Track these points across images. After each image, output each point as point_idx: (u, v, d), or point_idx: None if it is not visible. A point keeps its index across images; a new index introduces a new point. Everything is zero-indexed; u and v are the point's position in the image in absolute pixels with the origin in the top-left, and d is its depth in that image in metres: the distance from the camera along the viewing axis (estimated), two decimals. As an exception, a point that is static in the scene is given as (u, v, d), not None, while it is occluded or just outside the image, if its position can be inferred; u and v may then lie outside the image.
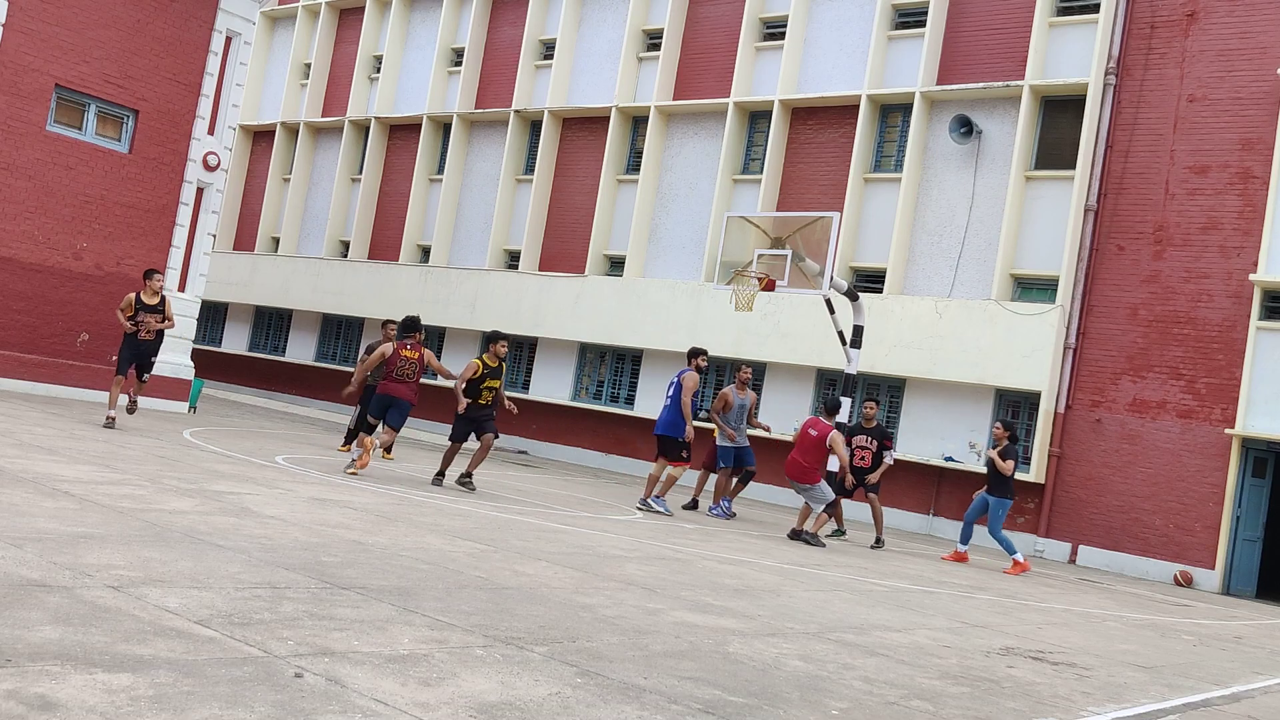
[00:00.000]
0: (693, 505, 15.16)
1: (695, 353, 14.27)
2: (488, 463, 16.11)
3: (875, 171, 21.26)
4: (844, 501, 14.96)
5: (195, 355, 23.01)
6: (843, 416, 15.05)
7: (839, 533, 14.78)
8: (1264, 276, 16.85)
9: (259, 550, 6.15)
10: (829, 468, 13.85)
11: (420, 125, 28.04)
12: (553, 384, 24.60)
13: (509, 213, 26.09)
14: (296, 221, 30.59)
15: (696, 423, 22.12)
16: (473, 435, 12.49)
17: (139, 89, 17.85)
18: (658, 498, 13.65)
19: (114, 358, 17.59)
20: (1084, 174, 18.65)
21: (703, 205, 23.07)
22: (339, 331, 29.14)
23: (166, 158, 18.32)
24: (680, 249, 23.32)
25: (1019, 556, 13.74)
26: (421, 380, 12.84)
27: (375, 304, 27.01)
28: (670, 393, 13.93)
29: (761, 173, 22.22)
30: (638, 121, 24.58)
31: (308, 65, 31.21)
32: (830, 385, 20.63)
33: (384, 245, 28.49)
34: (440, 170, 27.65)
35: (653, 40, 24.65)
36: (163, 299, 13.43)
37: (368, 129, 29.36)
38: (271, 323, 30.87)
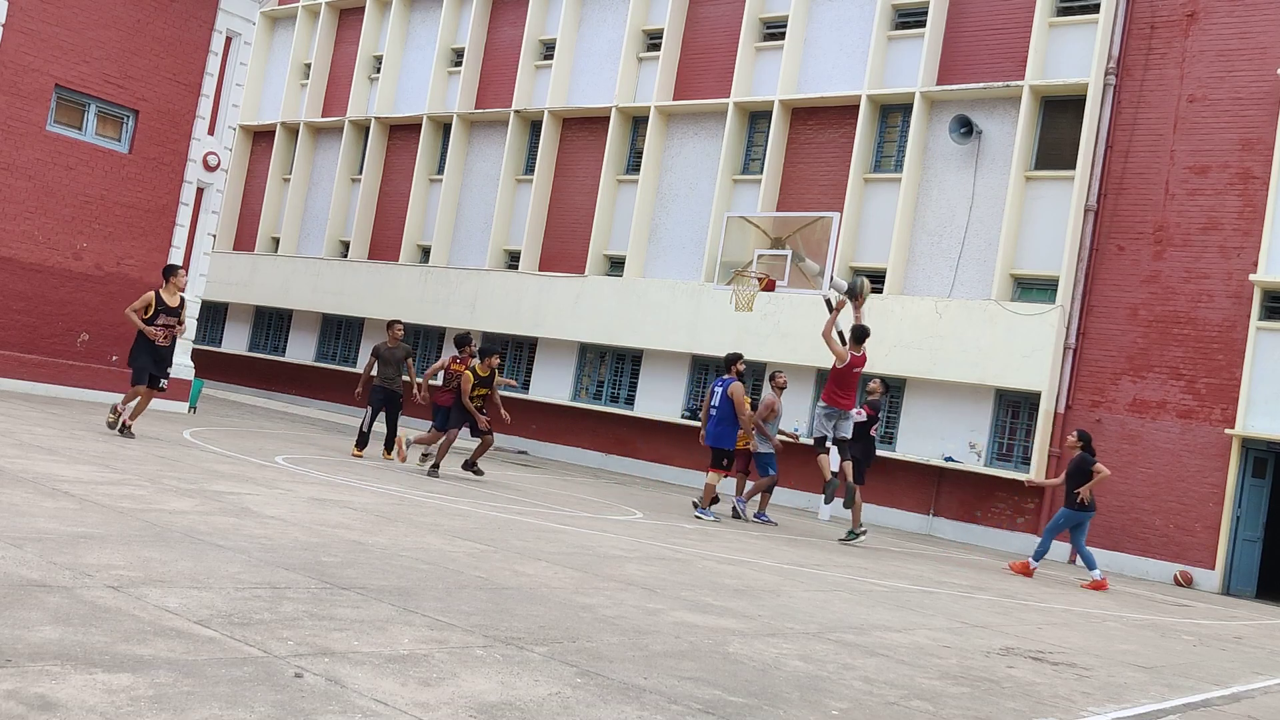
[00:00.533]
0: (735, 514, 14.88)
1: (735, 358, 14.23)
2: (487, 461, 16.11)
3: (875, 171, 21.26)
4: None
5: (195, 355, 22.99)
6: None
7: (853, 534, 13.83)
8: (1264, 276, 16.85)
9: (259, 550, 6.15)
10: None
11: (420, 125, 28.05)
12: (552, 384, 24.60)
13: (509, 213, 26.09)
14: (296, 221, 30.59)
15: None
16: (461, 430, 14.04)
17: (139, 89, 17.85)
18: (705, 508, 13.91)
19: (115, 358, 17.66)
20: (1084, 174, 18.65)
21: (703, 205, 23.07)
22: (339, 332, 29.15)
23: (166, 158, 18.32)
24: (680, 249, 23.32)
25: (1098, 574, 13.32)
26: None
27: (375, 304, 27.02)
28: (715, 402, 13.90)
29: (761, 173, 22.22)
30: (638, 121, 24.58)
31: (308, 65, 31.21)
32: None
33: (384, 245, 28.49)
34: (440, 170, 27.66)
35: (653, 40, 24.66)
36: (182, 301, 12.34)
37: (368, 129, 29.36)
38: (271, 323, 30.87)
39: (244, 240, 31.96)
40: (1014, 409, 19.11)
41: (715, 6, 23.83)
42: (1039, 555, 13.47)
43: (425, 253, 27.67)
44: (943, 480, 19.50)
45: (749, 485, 15.18)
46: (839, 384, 13.23)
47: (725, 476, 14.23)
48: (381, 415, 15.09)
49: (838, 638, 6.45)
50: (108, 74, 17.48)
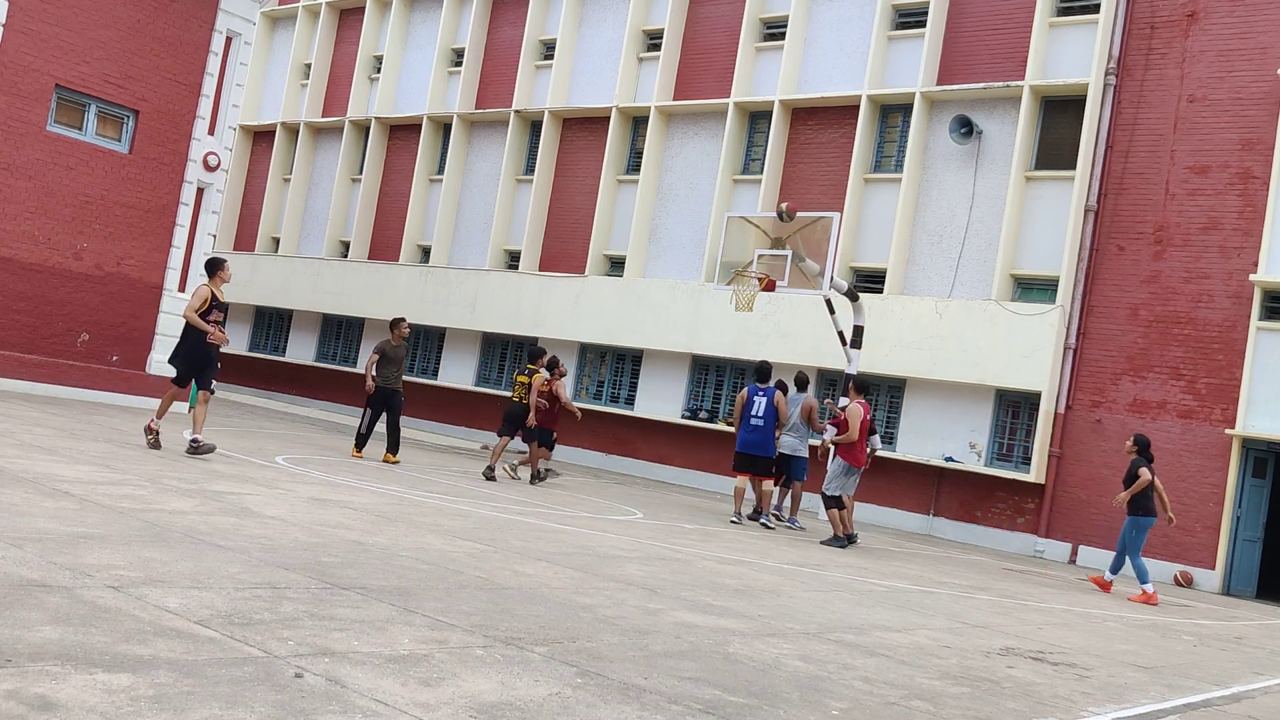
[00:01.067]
0: (755, 516, 14.66)
1: (770, 367, 14.77)
2: (482, 460, 16.11)
3: (875, 172, 21.26)
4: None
5: (195, 355, 22.90)
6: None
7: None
8: (1264, 276, 16.85)
9: (259, 550, 6.15)
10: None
11: (420, 125, 28.05)
12: (553, 384, 24.57)
13: (509, 213, 26.09)
14: (296, 221, 30.59)
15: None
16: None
17: (139, 89, 17.85)
18: (770, 515, 14.65)
19: (115, 359, 17.68)
20: (1084, 174, 18.65)
21: (703, 205, 23.07)
22: (339, 332, 29.14)
23: (167, 158, 18.32)
24: (680, 249, 23.32)
25: (1149, 587, 12.88)
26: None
27: (375, 304, 27.02)
28: (758, 412, 14.24)
29: (761, 173, 22.22)
30: (638, 121, 24.57)
31: (308, 65, 31.21)
32: (831, 385, 20.63)
33: (384, 245, 28.49)
34: (440, 170, 27.65)
35: (653, 40, 24.65)
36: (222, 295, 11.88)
37: (368, 129, 29.36)
38: (271, 323, 30.87)
39: (244, 240, 31.96)
40: (1014, 409, 19.11)
41: (715, 6, 23.83)
42: (1142, 578, 12.89)
43: (425, 253, 27.67)
44: (943, 480, 19.50)
45: (787, 500, 15.69)
46: (858, 443, 13.72)
47: (775, 483, 15.06)
48: (383, 417, 14.97)
49: (838, 638, 6.45)
50: (108, 74, 17.48)
